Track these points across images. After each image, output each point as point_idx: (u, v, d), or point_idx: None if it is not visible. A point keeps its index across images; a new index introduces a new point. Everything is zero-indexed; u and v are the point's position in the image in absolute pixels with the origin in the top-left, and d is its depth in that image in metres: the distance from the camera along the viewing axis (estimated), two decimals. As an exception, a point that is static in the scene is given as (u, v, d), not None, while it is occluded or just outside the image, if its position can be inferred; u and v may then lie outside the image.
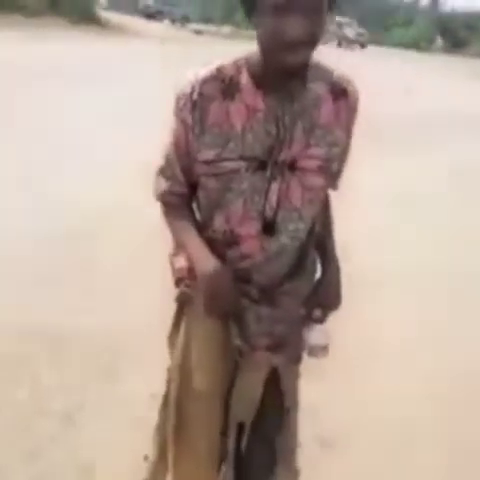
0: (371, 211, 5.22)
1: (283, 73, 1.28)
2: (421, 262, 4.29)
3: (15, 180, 5.00)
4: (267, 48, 1.26)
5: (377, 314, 3.48)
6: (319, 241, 1.57)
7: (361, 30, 36.67)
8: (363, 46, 35.29)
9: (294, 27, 1.18)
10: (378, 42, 38.36)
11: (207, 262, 1.38)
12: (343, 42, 34.76)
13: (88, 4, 22.95)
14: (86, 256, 3.77)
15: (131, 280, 3.42)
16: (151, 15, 34.17)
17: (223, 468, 1.58)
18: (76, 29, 19.72)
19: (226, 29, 32.89)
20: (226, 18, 37.65)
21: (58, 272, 3.53)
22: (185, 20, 33.48)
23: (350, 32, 35.76)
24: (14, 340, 2.84)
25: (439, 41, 44.36)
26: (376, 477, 2.26)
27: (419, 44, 40.76)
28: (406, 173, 6.72)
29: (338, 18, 36.85)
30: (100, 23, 22.52)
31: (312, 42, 1.23)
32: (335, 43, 34.80)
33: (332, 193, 1.57)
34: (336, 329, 3.02)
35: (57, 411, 2.40)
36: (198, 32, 29.33)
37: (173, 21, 33.49)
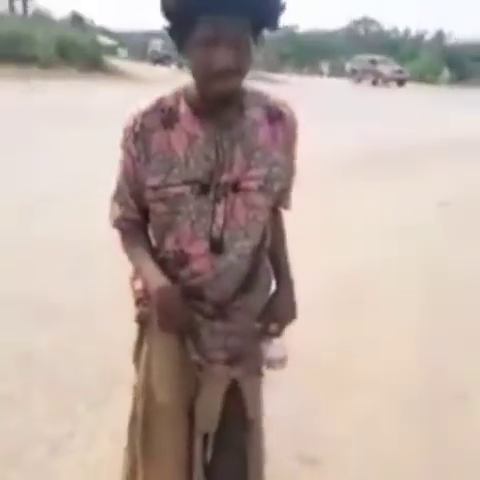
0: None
1: (217, 100, 1.39)
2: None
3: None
4: (199, 78, 1.37)
5: (376, 335, 3.54)
6: (272, 257, 1.66)
7: (398, 67, 35.35)
8: (402, 83, 33.81)
9: (222, 58, 1.29)
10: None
11: (156, 280, 1.48)
12: (379, 80, 33.79)
13: (95, 53, 23.65)
14: (87, 284, 3.88)
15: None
16: (159, 60, 35.08)
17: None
18: (85, 77, 20.31)
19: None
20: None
21: (59, 303, 3.64)
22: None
23: (385, 69, 34.47)
24: (9, 367, 2.94)
25: (446, 73, 44.68)
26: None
27: (425, 77, 41.12)
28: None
29: (371, 56, 36.06)
30: (107, 70, 23.12)
31: (240, 71, 1.34)
32: (370, 81, 34.00)
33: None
34: (318, 342, 3.12)
35: (47, 439, 2.47)
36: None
37: (180, 65, 34.27)
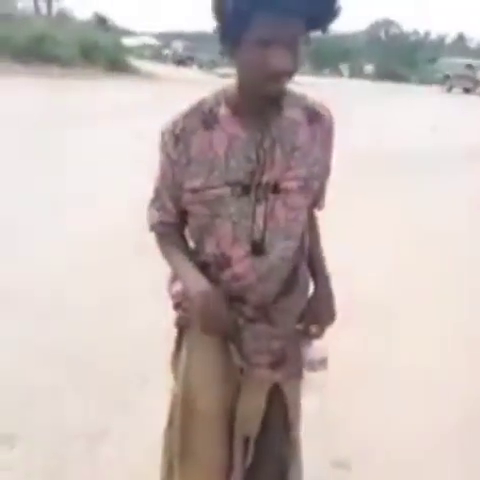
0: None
1: (261, 101, 1.38)
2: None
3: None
4: (251, 79, 1.33)
5: (407, 343, 3.49)
6: (310, 257, 1.63)
7: None
8: None
9: (279, 59, 1.26)
10: (404, 79, 38.53)
11: (197, 283, 1.45)
12: (477, 88, 30.58)
13: (118, 53, 23.86)
14: (105, 291, 3.86)
15: (153, 310, 3.47)
16: (181, 61, 35.40)
17: None
18: (108, 77, 20.49)
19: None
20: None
21: (78, 302, 3.63)
22: (213, 64, 34.36)
23: None
24: (38, 368, 2.94)
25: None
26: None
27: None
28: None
29: (467, 60, 33.09)
30: (131, 70, 23.34)
31: (293, 72, 1.32)
32: (460, 89, 31.13)
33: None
34: (348, 345, 3.08)
35: (82, 435, 2.47)
36: (224, 75, 30.02)
37: (201, 66, 34.55)
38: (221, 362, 1.55)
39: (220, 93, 1.44)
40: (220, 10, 1.27)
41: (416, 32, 65.31)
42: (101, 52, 22.33)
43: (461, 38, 62.59)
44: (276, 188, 1.43)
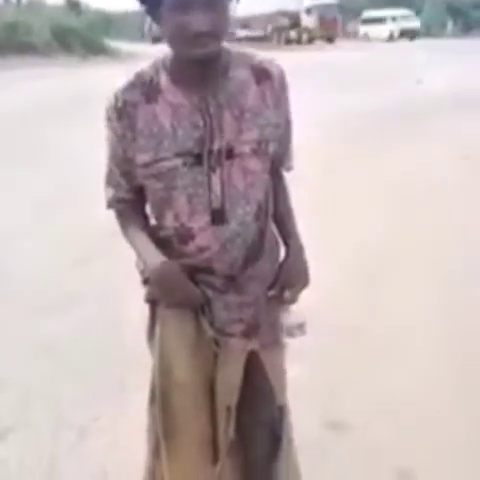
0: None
1: (198, 65, 1.35)
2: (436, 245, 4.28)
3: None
4: (174, 43, 1.33)
5: (398, 301, 3.50)
6: (278, 222, 1.61)
7: None
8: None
9: (197, 21, 1.25)
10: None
11: (153, 259, 1.46)
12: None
13: (96, 37, 23.54)
14: (103, 280, 3.88)
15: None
16: (157, 38, 34.87)
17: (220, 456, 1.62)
18: (87, 63, 20.19)
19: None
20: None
21: (73, 290, 3.65)
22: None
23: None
24: (28, 357, 2.97)
25: (450, 25, 43.49)
26: (389, 458, 2.25)
27: (430, 31, 40.03)
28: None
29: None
30: (109, 53, 23.03)
31: (217, 33, 1.30)
32: None
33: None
34: (341, 309, 3.07)
35: (74, 424, 2.48)
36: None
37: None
38: (194, 335, 1.54)
39: (158, 63, 1.42)
40: None
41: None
42: (77, 37, 22.00)
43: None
44: (230, 153, 1.40)
